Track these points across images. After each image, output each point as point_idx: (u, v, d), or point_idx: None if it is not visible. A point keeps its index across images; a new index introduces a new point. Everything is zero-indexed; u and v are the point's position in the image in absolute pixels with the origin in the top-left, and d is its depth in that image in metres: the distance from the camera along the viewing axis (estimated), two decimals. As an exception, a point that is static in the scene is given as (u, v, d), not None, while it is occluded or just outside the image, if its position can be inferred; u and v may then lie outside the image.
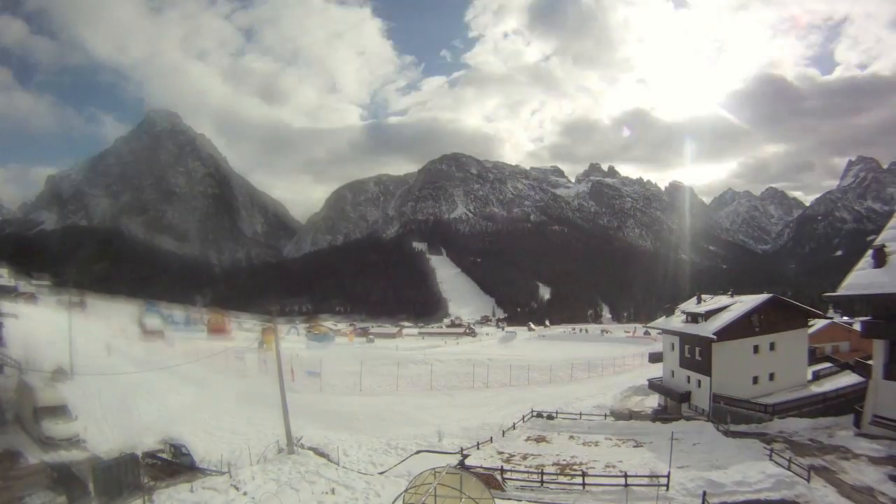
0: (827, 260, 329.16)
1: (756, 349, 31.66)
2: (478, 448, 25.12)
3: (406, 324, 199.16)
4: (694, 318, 34.76)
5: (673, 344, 36.96)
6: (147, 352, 57.24)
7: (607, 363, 62.43)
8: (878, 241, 24.57)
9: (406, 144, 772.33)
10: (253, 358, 48.55)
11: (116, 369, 33.77)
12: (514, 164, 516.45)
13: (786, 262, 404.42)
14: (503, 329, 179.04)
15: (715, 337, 30.45)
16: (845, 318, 51.03)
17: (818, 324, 41.56)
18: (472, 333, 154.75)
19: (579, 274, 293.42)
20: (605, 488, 18.15)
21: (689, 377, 34.19)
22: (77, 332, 38.34)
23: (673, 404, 35.99)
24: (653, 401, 40.38)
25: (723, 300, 36.53)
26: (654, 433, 26.37)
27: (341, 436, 26.00)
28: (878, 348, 23.11)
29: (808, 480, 17.11)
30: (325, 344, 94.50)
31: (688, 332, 34.05)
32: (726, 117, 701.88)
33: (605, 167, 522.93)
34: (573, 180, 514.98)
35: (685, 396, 34.27)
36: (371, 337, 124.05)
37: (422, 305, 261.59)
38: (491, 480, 18.06)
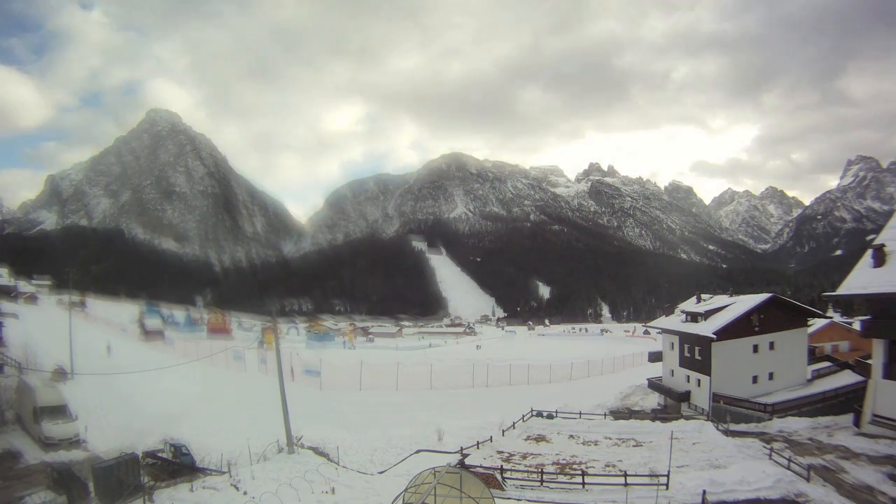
0: (826, 259, 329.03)
1: (756, 348, 31.73)
2: (477, 447, 25.11)
3: (406, 323, 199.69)
4: (693, 317, 34.79)
5: (673, 343, 37.00)
6: (147, 352, 57.38)
7: (607, 362, 62.44)
8: (878, 240, 24.52)
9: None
10: (253, 357, 48.52)
11: (116, 369, 33.78)
12: (513, 163, 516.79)
13: (785, 261, 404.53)
14: (503, 328, 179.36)
15: (714, 336, 30.48)
16: (845, 317, 51.13)
17: (818, 323, 41.63)
18: (472, 332, 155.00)
19: (579, 274, 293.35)
20: (604, 487, 18.14)
21: (688, 376, 34.24)
22: (77, 333, 38.38)
23: (673, 403, 36.04)
24: (652, 400, 40.44)
25: (722, 299, 36.60)
26: (653, 432, 26.36)
27: (341, 435, 25.97)
28: (878, 348, 23.10)
29: (807, 480, 17.12)
30: (326, 343, 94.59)
31: (687, 332, 34.08)
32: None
33: (604, 167, 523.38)
34: (573, 179, 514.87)
35: (685, 396, 34.32)
36: (371, 336, 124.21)
37: (422, 305, 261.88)
38: (490, 480, 18.07)
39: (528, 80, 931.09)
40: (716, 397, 30.63)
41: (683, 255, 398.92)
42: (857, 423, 23.85)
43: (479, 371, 51.02)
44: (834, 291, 25.50)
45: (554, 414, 31.64)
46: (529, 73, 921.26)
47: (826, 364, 36.54)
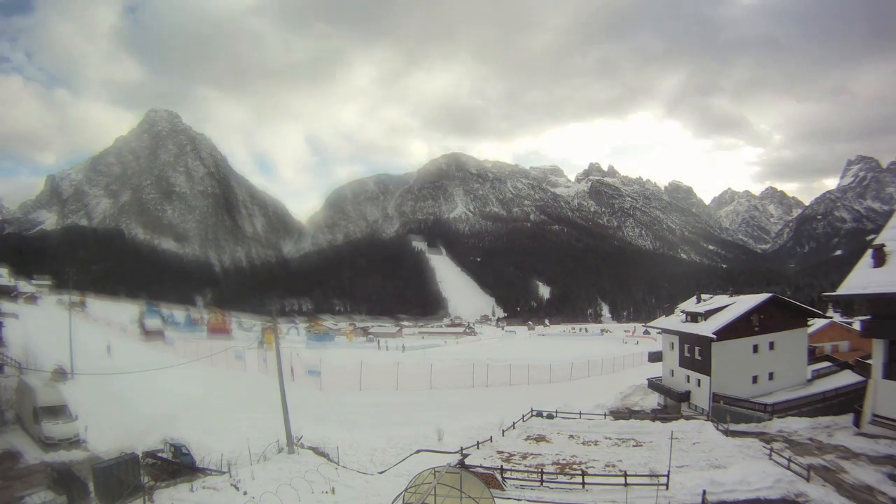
0: (826, 259, 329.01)
1: (756, 348, 31.74)
2: (477, 447, 25.11)
3: (406, 323, 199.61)
4: (693, 317, 34.79)
5: (672, 343, 37.00)
6: (147, 352, 57.41)
7: (607, 362, 62.45)
8: (878, 240, 24.52)
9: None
10: (253, 357, 48.54)
11: (116, 369, 33.78)
12: (513, 163, 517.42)
13: (785, 261, 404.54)
14: (503, 328, 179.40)
15: (714, 336, 30.49)
16: (845, 317, 51.15)
17: (818, 323, 41.68)
18: (472, 332, 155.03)
19: (579, 273, 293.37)
20: (604, 487, 18.14)
21: (688, 376, 34.24)
22: (77, 333, 38.40)
23: (673, 403, 36.05)
24: (652, 400, 40.46)
25: (722, 300, 36.60)
26: (653, 432, 26.36)
27: (341, 435, 25.97)
28: (878, 348, 23.10)
29: (807, 480, 17.11)
30: (325, 343, 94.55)
31: (687, 332, 34.08)
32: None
33: (604, 167, 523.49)
34: (573, 179, 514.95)
35: (685, 396, 34.33)
36: (371, 336, 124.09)
37: (422, 304, 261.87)
38: (490, 480, 18.07)
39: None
40: (716, 397, 30.63)
41: (683, 255, 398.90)
42: (857, 423, 23.85)
43: (479, 371, 51.01)
44: (834, 291, 25.48)
45: (554, 414, 31.64)
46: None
47: (826, 364, 36.55)
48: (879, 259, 23.45)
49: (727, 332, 30.80)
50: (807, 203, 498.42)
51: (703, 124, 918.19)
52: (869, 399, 23.19)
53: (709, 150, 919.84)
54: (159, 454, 21.45)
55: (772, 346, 31.96)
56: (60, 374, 32.49)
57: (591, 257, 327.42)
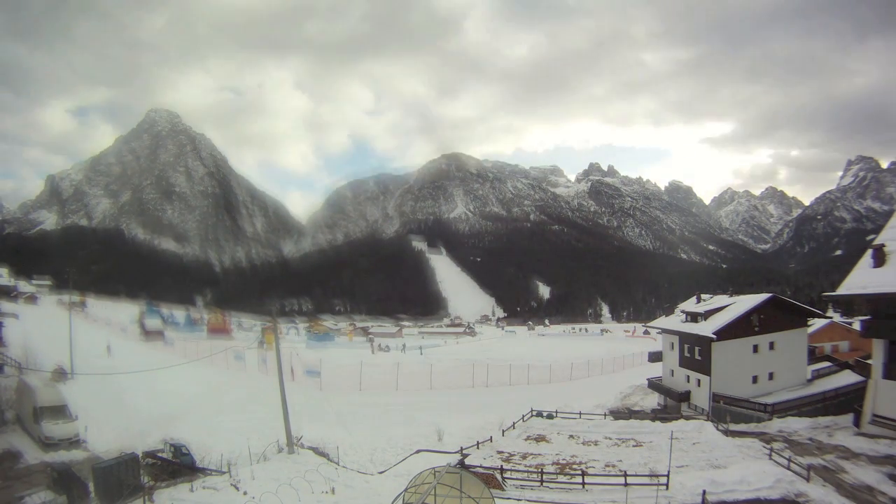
0: (826, 259, 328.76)
1: (756, 349, 31.75)
2: (477, 447, 25.12)
3: (406, 323, 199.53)
4: (693, 317, 34.80)
5: (672, 343, 37.00)
6: (147, 352, 57.46)
7: (607, 362, 62.43)
8: (878, 240, 24.54)
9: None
10: (253, 357, 48.52)
11: (116, 369, 33.80)
12: (514, 163, 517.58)
13: (785, 261, 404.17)
14: (503, 328, 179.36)
15: (714, 336, 30.50)
16: (845, 317, 51.19)
17: (818, 323, 41.67)
18: (472, 333, 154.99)
19: (579, 274, 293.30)
20: (604, 487, 18.14)
21: (688, 376, 34.24)
22: (77, 333, 38.43)
23: (672, 403, 36.05)
24: (652, 400, 40.45)
25: (722, 300, 36.60)
26: (653, 432, 26.36)
27: (341, 435, 25.98)
28: (878, 348, 23.11)
29: (807, 480, 17.12)
30: (326, 343, 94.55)
31: (687, 332, 34.09)
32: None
33: (604, 167, 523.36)
34: (573, 179, 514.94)
35: (685, 396, 34.34)
36: (371, 336, 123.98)
37: (422, 304, 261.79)
38: (490, 480, 18.06)
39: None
40: (716, 397, 30.64)
41: (683, 255, 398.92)
42: (857, 423, 23.86)
43: (479, 371, 51.02)
44: (834, 291, 25.50)
45: (554, 414, 31.64)
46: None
47: (826, 364, 36.55)
48: (879, 259, 23.46)
49: (727, 332, 30.81)
50: (807, 203, 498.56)
51: (703, 124, 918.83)
52: (869, 399, 23.20)
53: (709, 149, 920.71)
54: (159, 454, 21.45)
55: (772, 346, 31.97)
56: (60, 374, 32.52)
57: (591, 257, 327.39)
